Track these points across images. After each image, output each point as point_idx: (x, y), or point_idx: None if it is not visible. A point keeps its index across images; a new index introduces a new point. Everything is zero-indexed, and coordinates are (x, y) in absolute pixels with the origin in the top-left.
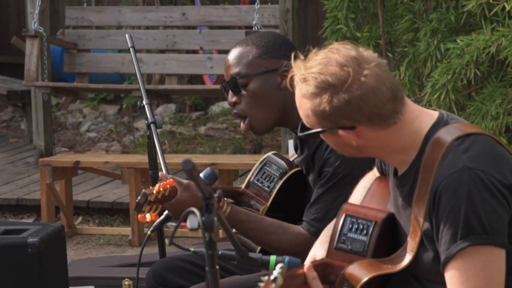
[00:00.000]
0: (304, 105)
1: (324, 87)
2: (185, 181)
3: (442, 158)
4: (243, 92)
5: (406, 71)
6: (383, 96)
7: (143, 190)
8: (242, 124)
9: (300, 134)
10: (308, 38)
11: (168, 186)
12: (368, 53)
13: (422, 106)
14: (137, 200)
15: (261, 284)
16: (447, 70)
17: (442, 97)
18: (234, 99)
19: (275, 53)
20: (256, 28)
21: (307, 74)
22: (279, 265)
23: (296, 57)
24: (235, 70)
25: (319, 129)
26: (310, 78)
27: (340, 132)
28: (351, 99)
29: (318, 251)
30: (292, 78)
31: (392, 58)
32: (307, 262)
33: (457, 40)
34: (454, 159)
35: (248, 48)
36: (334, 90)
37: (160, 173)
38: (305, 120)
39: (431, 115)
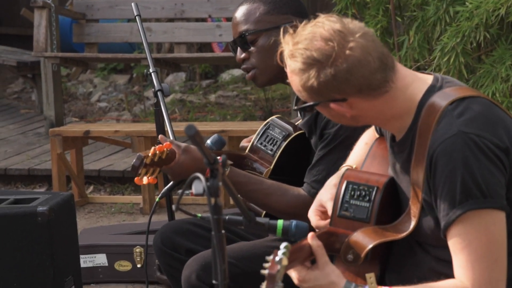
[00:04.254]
0: (294, 81)
1: (310, 63)
2: (183, 144)
3: (436, 123)
4: (252, 48)
5: (415, 35)
6: (370, 67)
7: (138, 153)
8: (247, 75)
9: (295, 107)
10: (317, 3)
11: (165, 149)
12: (353, 24)
13: (432, 70)
14: (132, 163)
15: (267, 265)
16: (456, 33)
17: (452, 60)
18: (243, 55)
19: (282, 9)
20: None
21: (294, 50)
22: (283, 245)
23: (285, 32)
24: (243, 27)
25: (311, 103)
26: (297, 54)
27: (332, 105)
28: (337, 72)
29: (324, 196)
30: (281, 54)
31: (401, 22)
32: (313, 208)
33: (466, 3)
34: (448, 123)
35: (256, 5)
36: (320, 66)
37: (160, 136)
38: (298, 95)
39: (425, 80)
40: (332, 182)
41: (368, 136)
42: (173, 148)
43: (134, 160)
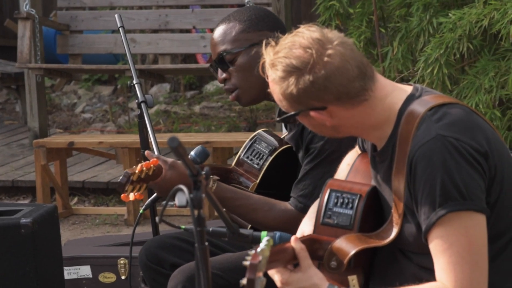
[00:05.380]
0: (275, 90)
1: (289, 71)
2: (170, 160)
3: (416, 129)
4: (232, 68)
5: (399, 46)
6: (349, 74)
7: (125, 170)
8: (230, 96)
9: (278, 118)
10: (301, 15)
11: (151, 165)
12: (332, 33)
13: (415, 81)
14: (119, 180)
15: (248, 258)
16: (439, 45)
17: (435, 71)
18: (223, 76)
19: (258, 26)
20: (248, 5)
21: (275, 59)
22: (265, 238)
23: (267, 44)
24: (221, 47)
25: (292, 113)
26: (277, 63)
27: (312, 113)
28: (315, 79)
29: (306, 227)
30: (263, 66)
31: (384, 33)
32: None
33: (449, 14)
34: (427, 128)
35: (231, 24)
36: (299, 73)
37: (146, 152)
38: (279, 105)
39: (404, 90)
40: (315, 208)
41: (350, 157)
42: (159, 164)
43: (121, 178)
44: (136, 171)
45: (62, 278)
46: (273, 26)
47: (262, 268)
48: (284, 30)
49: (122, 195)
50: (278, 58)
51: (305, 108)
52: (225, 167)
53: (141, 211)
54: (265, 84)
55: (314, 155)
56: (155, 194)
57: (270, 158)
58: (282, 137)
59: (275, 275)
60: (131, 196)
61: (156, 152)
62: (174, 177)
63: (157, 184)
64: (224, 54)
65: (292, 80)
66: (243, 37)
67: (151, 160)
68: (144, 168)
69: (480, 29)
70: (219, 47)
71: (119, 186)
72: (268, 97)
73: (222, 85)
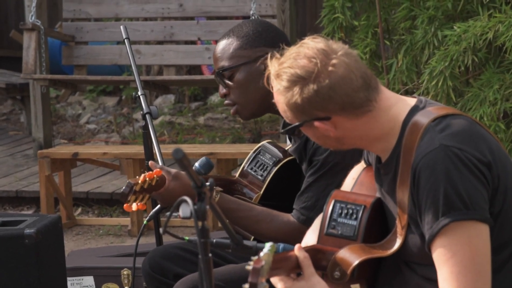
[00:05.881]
0: (279, 101)
1: (294, 80)
2: (173, 170)
3: (420, 140)
4: (231, 84)
5: (404, 58)
6: (353, 85)
7: (128, 180)
8: (231, 110)
9: (282, 130)
10: (306, 28)
11: (154, 175)
12: (337, 45)
13: (420, 93)
14: (122, 190)
15: (251, 262)
16: (444, 57)
17: (440, 84)
18: (223, 91)
19: (255, 42)
20: (253, 18)
21: (279, 70)
22: (268, 244)
23: (272, 56)
24: (220, 63)
25: (296, 124)
26: (282, 73)
27: (316, 123)
28: (320, 89)
29: (310, 239)
30: (268, 77)
31: (389, 46)
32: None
33: (454, 27)
34: (431, 138)
35: (230, 40)
36: (304, 82)
37: (150, 162)
38: (284, 116)
39: (408, 102)
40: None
41: (356, 171)
42: (163, 174)
43: (124, 188)
44: (139, 182)
45: None
46: (272, 41)
47: (264, 273)
48: (288, 43)
49: (125, 205)
50: (283, 69)
51: (309, 118)
52: (229, 178)
53: (145, 222)
54: (265, 98)
55: (317, 167)
56: (159, 205)
57: (274, 170)
58: (286, 149)
59: (278, 283)
60: (134, 207)
61: (160, 163)
62: (177, 188)
63: (160, 194)
64: (222, 71)
65: (296, 89)
66: (240, 54)
67: (154, 171)
68: (147, 179)
69: (485, 41)
70: (218, 63)
71: (121, 196)
72: (270, 110)
73: None
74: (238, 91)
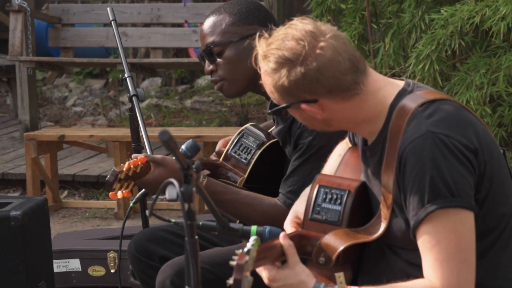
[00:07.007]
0: (266, 82)
1: (282, 62)
2: (158, 156)
3: (406, 125)
4: (219, 60)
5: (391, 42)
6: (341, 67)
7: (113, 168)
8: (215, 86)
9: (269, 111)
10: (293, 10)
11: (139, 162)
12: (325, 26)
13: (407, 77)
14: (106, 179)
15: (235, 257)
16: (431, 41)
17: (427, 67)
18: (210, 67)
19: (248, 19)
20: None
21: (267, 51)
22: (252, 238)
23: (260, 36)
24: (209, 39)
25: (283, 105)
26: (270, 55)
27: (304, 106)
28: (307, 71)
29: (299, 208)
30: (256, 57)
31: (377, 29)
32: (289, 218)
33: (441, 10)
34: (418, 124)
35: (221, 17)
36: (291, 64)
37: (133, 156)
38: (271, 97)
39: (396, 85)
40: (307, 193)
41: (342, 147)
42: (147, 161)
43: (108, 176)
44: (124, 169)
45: (51, 271)
46: (264, 20)
47: (249, 268)
48: (276, 24)
49: (110, 193)
50: (270, 50)
51: (296, 100)
52: (213, 162)
53: (131, 204)
54: (251, 77)
55: (303, 150)
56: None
57: (258, 153)
58: (269, 130)
59: (263, 272)
60: (119, 194)
61: (147, 145)
62: (162, 174)
63: (145, 181)
64: (212, 46)
65: (284, 72)
66: (232, 30)
67: (138, 158)
68: (131, 166)
69: (472, 25)
70: (207, 38)
71: (106, 184)
72: (254, 89)
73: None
74: (227, 68)
